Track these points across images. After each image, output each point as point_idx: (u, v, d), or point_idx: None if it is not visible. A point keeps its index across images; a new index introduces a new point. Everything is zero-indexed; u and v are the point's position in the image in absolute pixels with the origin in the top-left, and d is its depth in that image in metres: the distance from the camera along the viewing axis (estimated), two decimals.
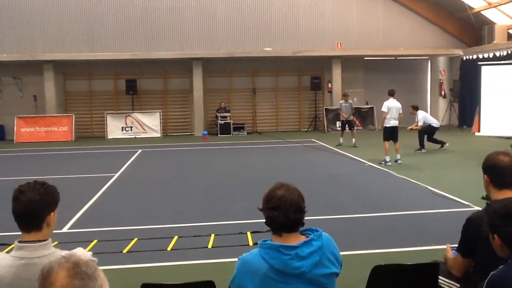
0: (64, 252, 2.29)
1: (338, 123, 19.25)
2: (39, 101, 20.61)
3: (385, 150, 12.29)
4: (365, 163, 12.47)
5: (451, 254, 3.40)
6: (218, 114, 20.99)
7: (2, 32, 20.36)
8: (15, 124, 19.74)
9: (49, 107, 20.40)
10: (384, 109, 12.43)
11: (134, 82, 20.74)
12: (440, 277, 3.28)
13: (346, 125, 16.24)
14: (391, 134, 12.35)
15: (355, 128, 17.50)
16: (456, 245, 3.29)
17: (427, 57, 23.10)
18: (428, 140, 14.50)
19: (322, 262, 2.50)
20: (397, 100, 12.70)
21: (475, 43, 21.56)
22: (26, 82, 20.91)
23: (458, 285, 3.30)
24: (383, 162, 12.19)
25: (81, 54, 20.43)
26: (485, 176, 3.19)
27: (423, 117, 14.49)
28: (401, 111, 12.50)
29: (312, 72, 21.92)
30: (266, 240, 2.53)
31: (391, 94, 12.60)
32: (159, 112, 20.89)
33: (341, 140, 16.14)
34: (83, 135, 20.92)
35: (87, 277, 1.49)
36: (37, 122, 19.98)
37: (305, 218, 2.55)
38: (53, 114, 20.27)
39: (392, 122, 12.33)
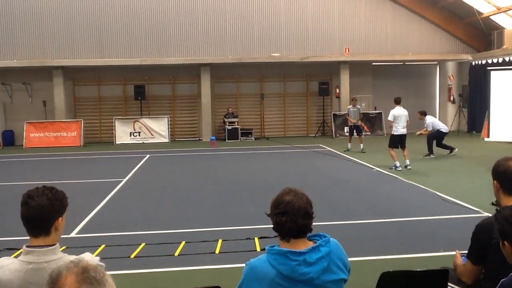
0: (72, 257, 2.30)
1: (346, 129, 19.21)
2: (49, 107, 20.77)
3: (392, 157, 12.26)
4: (374, 168, 12.42)
5: (460, 260, 3.37)
6: (226, 120, 21.03)
7: (13, 39, 20.57)
8: (25, 129, 19.89)
9: (58, 113, 20.55)
10: (390, 118, 12.41)
11: (142, 88, 20.85)
12: (449, 284, 3.24)
13: (354, 131, 16.20)
14: (399, 142, 12.31)
15: (363, 133, 17.44)
16: (466, 251, 3.26)
17: (436, 63, 23.00)
18: (437, 145, 14.41)
19: (330, 268, 2.48)
20: (406, 106, 12.67)
21: (484, 48, 21.45)
22: (35, 88, 21.08)
23: None
24: (393, 167, 12.13)
25: (90, 60, 20.58)
26: (495, 182, 3.16)
27: (431, 122, 14.41)
28: (408, 118, 12.46)
29: (320, 77, 21.92)
30: (274, 246, 2.52)
31: (397, 102, 12.52)
32: (167, 117, 20.97)
33: (349, 145, 16.09)
34: (92, 140, 21.05)
35: (96, 282, 1.49)
36: (46, 128, 20.12)
37: (313, 223, 2.54)
38: (62, 119, 20.41)
39: (400, 130, 12.28)
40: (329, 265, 2.48)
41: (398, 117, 12.28)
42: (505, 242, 2.47)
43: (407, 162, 12.27)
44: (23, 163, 15.53)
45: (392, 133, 12.47)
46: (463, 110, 21.39)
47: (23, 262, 2.32)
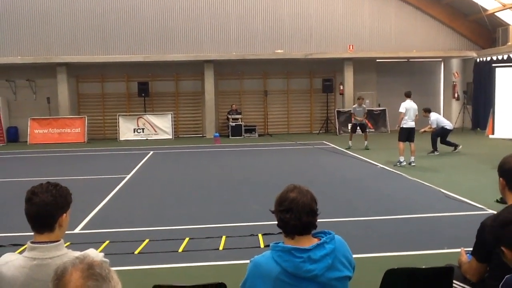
0: (76, 253, 2.30)
1: (350, 125, 19.13)
2: (53, 103, 20.82)
3: (399, 151, 12.28)
4: (378, 165, 12.40)
5: (465, 258, 3.35)
6: (229, 116, 21.02)
7: (17, 36, 20.60)
8: (29, 125, 19.95)
9: (62, 109, 20.60)
10: (401, 109, 12.46)
11: (146, 85, 20.86)
12: (454, 281, 3.23)
13: (358, 128, 16.12)
14: (408, 135, 12.34)
15: (368, 130, 17.38)
16: (470, 249, 3.25)
17: (440, 59, 22.92)
18: (441, 142, 14.37)
19: (334, 265, 2.47)
20: None
21: (489, 45, 21.35)
22: (40, 85, 21.14)
23: None
24: (398, 164, 12.15)
25: (94, 56, 20.60)
26: (501, 179, 3.14)
27: (435, 119, 14.38)
28: (417, 112, 12.51)
29: (323, 74, 21.87)
30: (279, 243, 2.51)
31: (408, 95, 12.64)
32: (171, 114, 20.98)
33: (350, 143, 15.99)
34: (96, 137, 21.09)
35: (101, 278, 1.49)
36: (50, 124, 20.17)
37: (318, 220, 2.53)
38: (66, 116, 20.46)
39: (409, 123, 12.35)
40: (334, 262, 2.47)
41: (407, 110, 12.33)
42: (502, 247, 2.43)
43: (412, 158, 12.26)
44: (27, 159, 15.58)
45: (401, 126, 12.52)
46: (468, 107, 21.31)
47: (28, 258, 2.32)
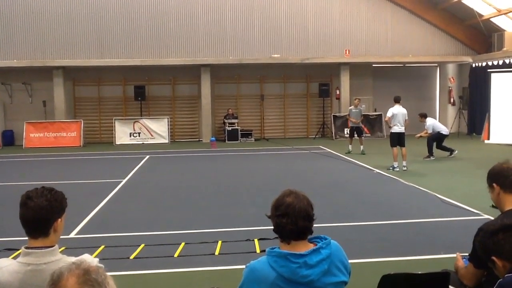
0: (71, 258, 2.28)
1: (346, 130, 19.15)
2: (49, 107, 20.76)
3: (393, 156, 12.35)
4: (374, 170, 12.41)
5: (462, 263, 3.35)
6: (226, 121, 21.02)
7: (13, 39, 20.56)
8: (24, 129, 19.87)
9: (58, 113, 20.54)
10: (389, 114, 12.56)
11: (142, 88, 20.84)
12: (451, 286, 3.23)
13: (355, 132, 16.13)
14: (398, 140, 12.41)
15: (364, 134, 17.39)
16: (466, 254, 3.25)
17: (436, 64, 23.01)
18: (437, 147, 14.41)
19: (330, 271, 2.47)
20: (406, 107, 12.74)
21: (484, 50, 21.45)
22: (35, 88, 21.08)
23: None
24: (391, 168, 12.23)
25: (91, 60, 20.58)
26: (494, 184, 3.16)
27: (431, 124, 14.42)
28: (406, 117, 12.57)
29: (320, 78, 21.91)
30: (274, 248, 2.50)
31: (397, 100, 12.71)
32: (167, 118, 20.95)
33: (350, 147, 15.99)
34: (92, 141, 21.03)
35: (97, 284, 1.48)
36: (46, 128, 20.10)
37: (314, 225, 2.53)
38: (62, 119, 20.40)
39: (397, 128, 12.46)
40: (330, 268, 2.47)
41: (395, 116, 12.41)
42: (493, 258, 2.42)
43: (404, 163, 12.34)
44: (22, 163, 15.51)
45: (390, 131, 12.66)
46: (463, 112, 21.39)
47: (22, 263, 2.31)
